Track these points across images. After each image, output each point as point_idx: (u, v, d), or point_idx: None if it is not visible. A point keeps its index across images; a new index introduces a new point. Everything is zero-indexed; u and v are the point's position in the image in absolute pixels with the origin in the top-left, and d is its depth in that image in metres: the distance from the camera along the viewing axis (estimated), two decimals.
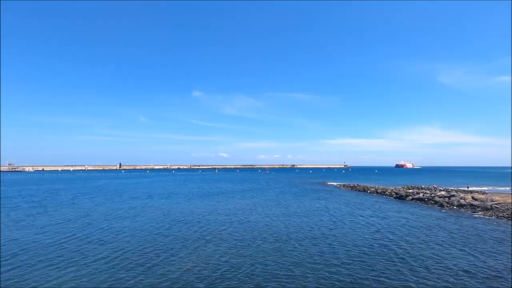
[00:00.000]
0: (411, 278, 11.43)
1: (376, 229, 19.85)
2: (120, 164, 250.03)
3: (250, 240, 17.09)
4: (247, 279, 11.41)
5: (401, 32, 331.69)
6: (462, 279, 11.32)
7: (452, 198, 32.00)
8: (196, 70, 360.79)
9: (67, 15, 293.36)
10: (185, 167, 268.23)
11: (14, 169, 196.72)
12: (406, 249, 15.26)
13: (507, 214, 24.11)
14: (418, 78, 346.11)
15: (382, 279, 11.40)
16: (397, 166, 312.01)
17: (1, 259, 13.70)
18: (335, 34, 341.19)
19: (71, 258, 13.80)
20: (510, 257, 13.85)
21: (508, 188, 48.98)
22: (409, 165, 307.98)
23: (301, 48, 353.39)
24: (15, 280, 11.33)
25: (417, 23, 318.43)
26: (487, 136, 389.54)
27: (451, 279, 11.32)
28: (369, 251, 14.89)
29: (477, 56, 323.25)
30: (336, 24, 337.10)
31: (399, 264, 13.04)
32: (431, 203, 32.42)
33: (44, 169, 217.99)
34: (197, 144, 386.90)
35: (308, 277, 11.61)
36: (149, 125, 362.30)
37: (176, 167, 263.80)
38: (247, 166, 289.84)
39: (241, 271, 12.24)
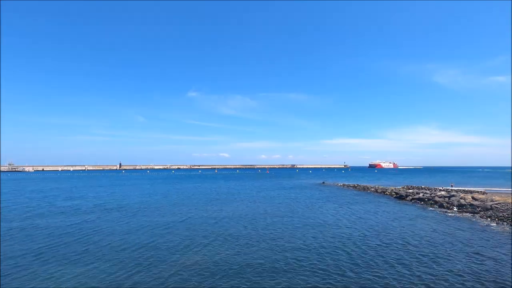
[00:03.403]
0: (410, 278, 11.46)
1: (372, 226, 19.89)
2: (120, 164, 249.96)
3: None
4: None
5: (397, 33, 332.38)
6: (461, 280, 11.35)
7: (452, 198, 31.99)
8: (192, 70, 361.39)
9: (67, 15, 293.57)
10: (185, 167, 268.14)
11: (14, 169, 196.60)
12: (404, 247, 15.29)
13: (507, 214, 24.10)
14: (413, 78, 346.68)
15: (383, 280, 11.43)
16: (370, 166, 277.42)
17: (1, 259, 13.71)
18: (333, 35, 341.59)
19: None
20: (510, 257, 13.87)
21: (509, 189, 48.93)
22: (386, 165, 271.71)
23: (299, 49, 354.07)
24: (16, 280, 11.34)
25: (412, 24, 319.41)
26: (484, 136, 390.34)
27: (451, 280, 11.34)
28: (367, 249, 14.93)
29: (472, 56, 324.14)
30: (333, 25, 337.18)
31: (397, 265, 13.06)
32: (431, 203, 32.43)
33: (44, 169, 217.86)
34: (196, 144, 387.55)
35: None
36: (147, 125, 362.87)
37: (176, 167, 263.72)
38: (247, 166, 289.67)
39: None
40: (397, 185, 55.31)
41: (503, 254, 14.29)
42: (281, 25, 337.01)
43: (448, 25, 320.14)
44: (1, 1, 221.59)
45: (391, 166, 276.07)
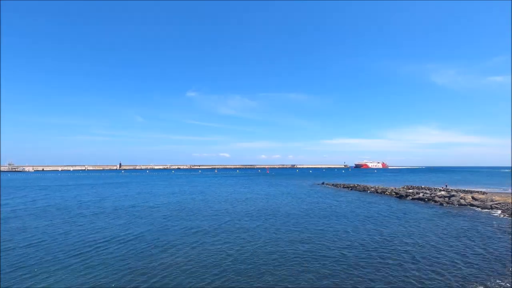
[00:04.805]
0: (410, 276, 11.53)
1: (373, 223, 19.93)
2: (120, 164, 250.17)
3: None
4: None
5: (397, 33, 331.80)
6: (462, 276, 11.42)
7: (452, 198, 32.07)
8: (192, 70, 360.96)
9: (67, 15, 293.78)
10: (185, 167, 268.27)
11: (14, 169, 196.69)
12: (408, 244, 15.35)
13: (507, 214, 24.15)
14: (413, 78, 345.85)
15: (386, 277, 11.49)
16: (356, 166, 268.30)
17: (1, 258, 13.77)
18: (333, 35, 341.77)
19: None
20: (510, 255, 13.93)
21: (509, 189, 48.97)
22: (373, 165, 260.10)
23: (299, 49, 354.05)
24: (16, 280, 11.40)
25: (412, 24, 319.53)
26: (484, 136, 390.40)
27: (450, 276, 11.41)
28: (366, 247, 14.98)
29: (472, 56, 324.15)
30: (333, 25, 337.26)
31: (402, 262, 13.12)
32: (431, 203, 32.49)
33: (44, 169, 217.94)
34: (196, 144, 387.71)
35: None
36: (147, 125, 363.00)
37: (176, 167, 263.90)
38: (247, 166, 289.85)
39: None
40: (397, 185, 55.30)
41: (503, 250, 14.36)
42: (281, 25, 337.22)
43: (448, 25, 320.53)
44: (1, 1, 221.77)
45: (380, 166, 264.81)
